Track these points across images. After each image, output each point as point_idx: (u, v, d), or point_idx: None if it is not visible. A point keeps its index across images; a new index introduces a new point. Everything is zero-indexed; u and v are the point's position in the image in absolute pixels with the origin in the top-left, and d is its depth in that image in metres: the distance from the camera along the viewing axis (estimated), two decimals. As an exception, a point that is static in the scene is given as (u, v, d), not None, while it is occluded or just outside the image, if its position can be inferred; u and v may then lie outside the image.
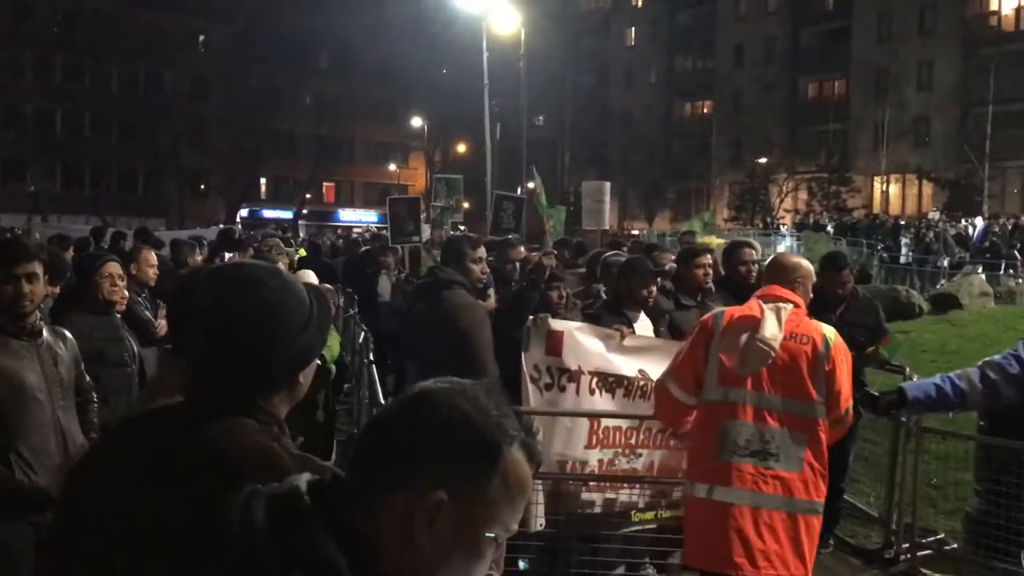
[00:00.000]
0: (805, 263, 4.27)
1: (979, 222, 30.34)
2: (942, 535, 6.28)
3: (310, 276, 6.13)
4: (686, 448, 4.24)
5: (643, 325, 5.35)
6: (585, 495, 4.85)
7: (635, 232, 42.18)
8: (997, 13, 44.14)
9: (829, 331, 3.92)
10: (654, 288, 5.41)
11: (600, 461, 4.81)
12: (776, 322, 3.77)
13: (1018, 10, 43.12)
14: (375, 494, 1.16)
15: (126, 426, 1.59)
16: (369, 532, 1.15)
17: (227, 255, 9.47)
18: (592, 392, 4.81)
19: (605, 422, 4.82)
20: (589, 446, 4.78)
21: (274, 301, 1.56)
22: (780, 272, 4.09)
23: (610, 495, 4.89)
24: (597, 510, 4.87)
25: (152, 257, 6.40)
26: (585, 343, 4.83)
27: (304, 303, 1.60)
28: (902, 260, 28.42)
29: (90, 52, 49.72)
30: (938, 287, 22.92)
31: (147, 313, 5.67)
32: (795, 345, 3.78)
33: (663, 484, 4.94)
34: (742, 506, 3.69)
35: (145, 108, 50.26)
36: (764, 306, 3.84)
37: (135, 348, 4.76)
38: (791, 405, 3.76)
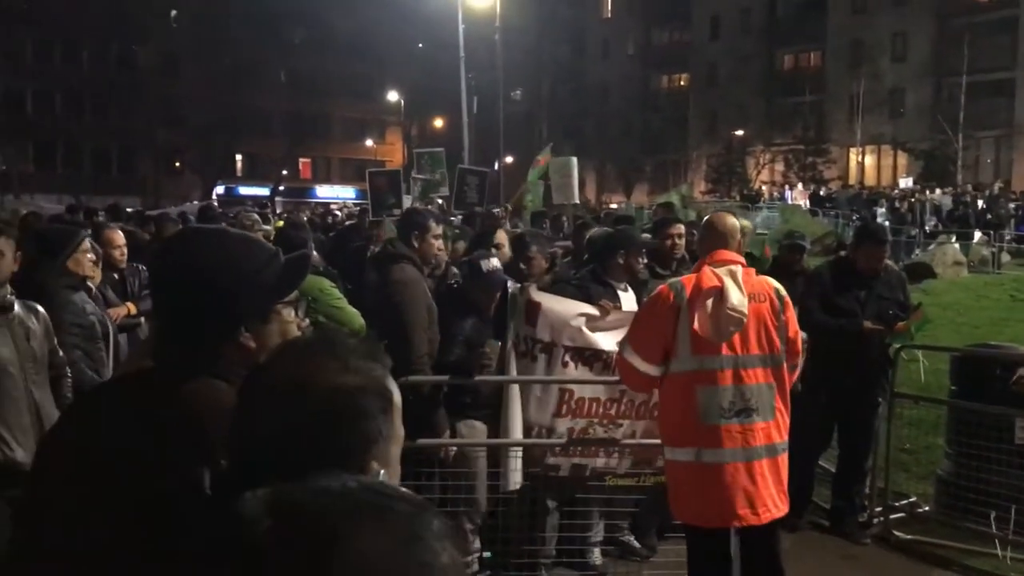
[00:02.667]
0: (741, 221, 4.44)
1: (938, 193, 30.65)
2: (914, 498, 6.38)
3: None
4: (662, 417, 4.32)
5: (628, 296, 5.39)
6: (551, 459, 4.94)
7: (613, 205, 42.23)
8: (970, -17, 44.33)
9: (775, 283, 4.15)
10: (644, 259, 5.51)
11: (571, 429, 4.88)
12: (737, 287, 3.92)
13: (991, -20, 43.31)
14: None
15: (95, 393, 1.59)
16: None
17: None
18: (565, 365, 4.84)
19: (579, 392, 4.88)
20: (557, 415, 4.86)
21: (212, 251, 1.58)
22: (723, 236, 4.16)
23: (578, 460, 4.95)
24: (563, 474, 4.94)
25: (117, 237, 5.95)
26: (563, 316, 4.86)
27: (250, 256, 1.59)
28: (879, 231, 28.40)
29: (60, 30, 48.88)
30: (913, 256, 23.15)
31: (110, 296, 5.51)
32: (756, 305, 3.98)
33: (635, 447, 4.99)
34: (735, 463, 3.89)
35: (117, 86, 49.57)
36: (719, 272, 3.97)
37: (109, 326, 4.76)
38: (764, 360, 3.97)
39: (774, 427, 3.98)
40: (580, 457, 4.97)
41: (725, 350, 3.90)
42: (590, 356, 4.89)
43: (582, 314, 4.89)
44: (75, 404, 1.67)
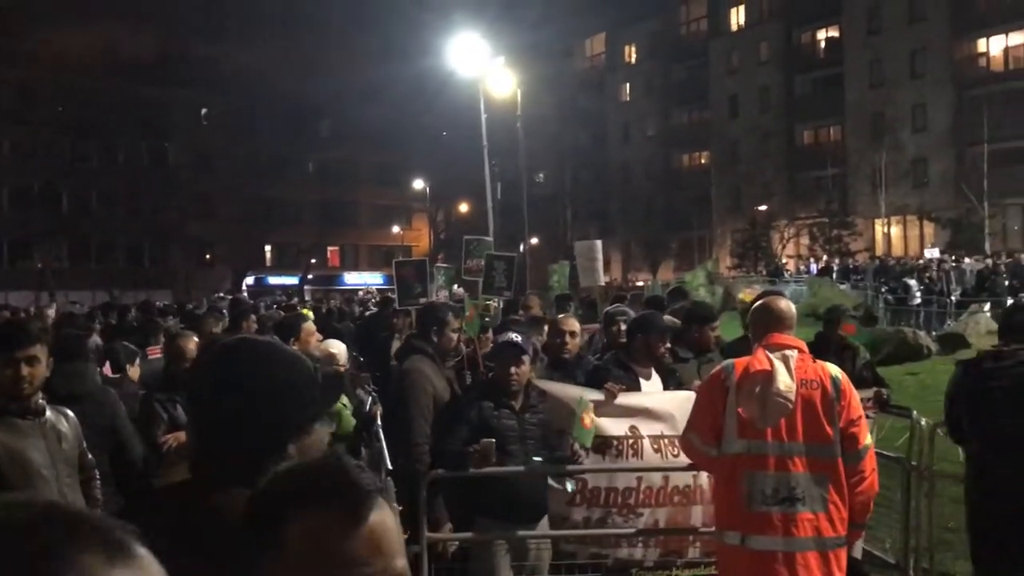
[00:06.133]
0: (792, 307, 4.30)
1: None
2: (961, 580, 6.18)
3: (335, 346, 5.91)
4: (714, 497, 4.28)
5: (653, 382, 5.31)
6: (567, 546, 4.81)
7: (639, 284, 42.23)
8: (986, 54, 44.71)
9: (834, 370, 4.00)
10: (668, 344, 5.44)
11: (586, 519, 4.75)
12: (787, 372, 3.85)
13: (1006, 50, 43.66)
14: None
15: (135, 503, 1.61)
16: None
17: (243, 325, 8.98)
18: (575, 455, 4.63)
19: (592, 481, 4.76)
20: (571, 503, 4.76)
21: (249, 372, 1.59)
22: (778, 319, 4.08)
23: (596, 550, 4.80)
24: (579, 561, 4.80)
25: (191, 348, 5.28)
26: (565, 403, 4.75)
27: (298, 372, 1.61)
28: (915, 302, 27.84)
29: (94, 129, 50.50)
30: (945, 327, 22.85)
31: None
32: (807, 391, 3.88)
33: (663, 536, 4.85)
34: (775, 551, 3.81)
35: (150, 182, 50.96)
36: (772, 356, 3.89)
37: None
38: (812, 450, 3.86)
39: (826, 519, 3.84)
40: (599, 547, 4.82)
41: (770, 436, 3.84)
42: (600, 443, 4.76)
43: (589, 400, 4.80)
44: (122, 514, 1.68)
